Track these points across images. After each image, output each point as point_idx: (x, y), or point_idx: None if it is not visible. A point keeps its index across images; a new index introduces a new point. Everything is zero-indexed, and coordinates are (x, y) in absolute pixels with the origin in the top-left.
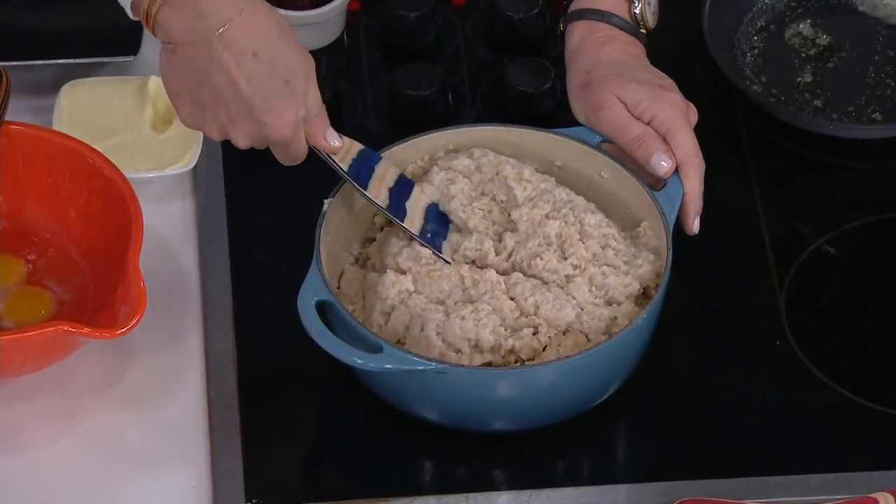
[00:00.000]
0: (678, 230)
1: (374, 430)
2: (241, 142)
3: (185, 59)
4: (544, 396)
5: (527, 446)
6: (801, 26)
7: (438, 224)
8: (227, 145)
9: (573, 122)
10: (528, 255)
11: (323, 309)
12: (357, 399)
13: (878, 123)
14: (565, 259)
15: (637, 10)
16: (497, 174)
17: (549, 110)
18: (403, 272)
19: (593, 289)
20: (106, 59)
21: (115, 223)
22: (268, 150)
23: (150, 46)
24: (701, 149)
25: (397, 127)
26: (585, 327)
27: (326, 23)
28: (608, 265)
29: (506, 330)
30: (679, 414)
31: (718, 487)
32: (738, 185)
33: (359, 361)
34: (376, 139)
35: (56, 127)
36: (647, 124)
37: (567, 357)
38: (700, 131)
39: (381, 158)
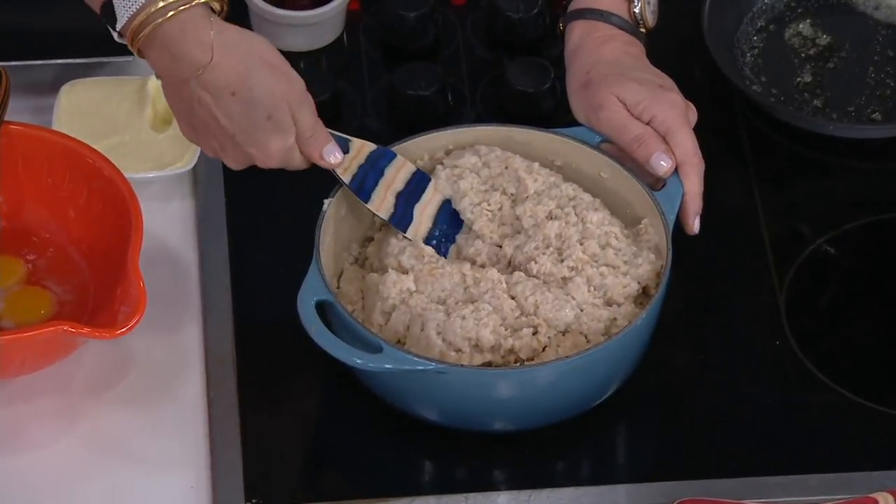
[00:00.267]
0: (678, 230)
1: (373, 430)
2: (232, 166)
3: (173, 91)
4: (544, 396)
5: (526, 446)
6: (800, 26)
7: (450, 226)
8: None
9: (573, 122)
10: (525, 259)
11: (323, 309)
12: (357, 399)
13: (877, 123)
14: (561, 262)
15: (637, 10)
16: (507, 168)
17: (549, 110)
18: (406, 271)
19: (592, 289)
20: (105, 59)
21: (114, 223)
22: None
23: None
24: (701, 149)
25: (397, 127)
26: (584, 328)
27: (326, 23)
28: (607, 265)
29: (506, 330)
30: (679, 414)
31: (718, 487)
32: (738, 185)
33: (358, 361)
34: (376, 139)
35: (56, 127)
36: (647, 124)
37: (567, 357)
38: (700, 131)
39: (394, 157)
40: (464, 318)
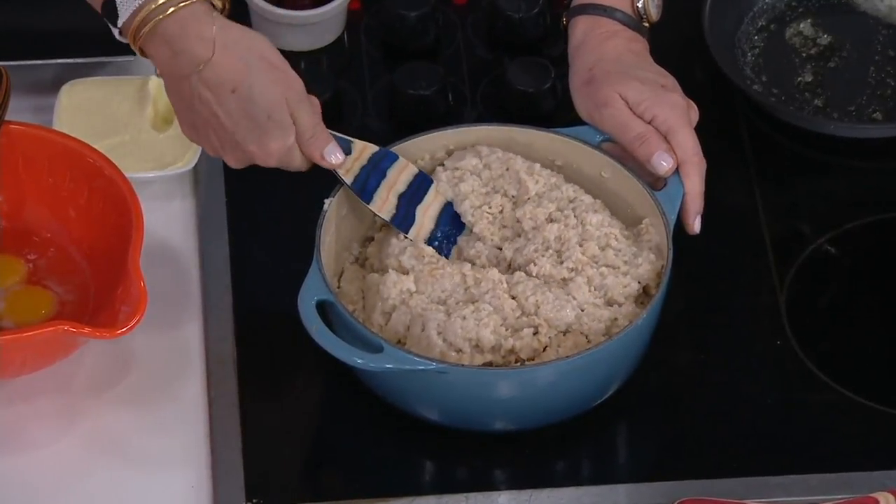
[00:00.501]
0: (678, 230)
1: (374, 430)
2: (233, 165)
3: (174, 89)
4: (545, 396)
5: (527, 446)
6: (801, 26)
7: (452, 227)
8: None
9: (574, 122)
10: (525, 261)
11: (323, 309)
12: (357, 399)
13: (878, 123)
14: (561, 263)
15: (640, 4)
16: (507, 169)
17: (550, 110)
18: (406, 271)
19: (592, 289)
20: (106, 59)
21: (115, 223)
22: None
23: None
24: (701, 148)
25: (398, 126)
26: (585, 328)
27: (327, 22)
28: (607, 266)
29: (506, 330)
30: (679, 414)
31: (719, 487)
32: (739, 185)
33: (359, 361)
34: (377, 138)
35: (56, 126)
36: (649, 123)
37: (567, 357)
38: (700, 131)
39: (396, 159)
40: (464, 318)
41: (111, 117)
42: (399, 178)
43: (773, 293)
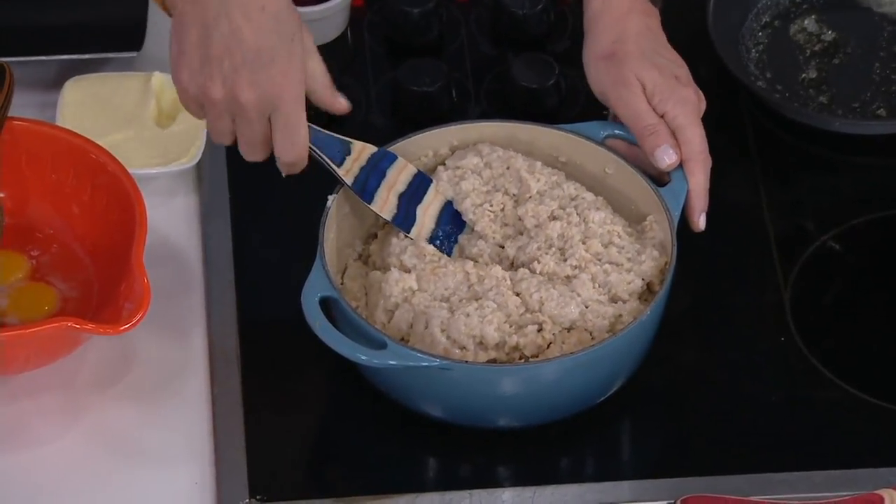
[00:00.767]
0: (682, 226)
1: (378, 427)
2: (247, 95)
3: (193, 19)
4: (548, 393)
5: (531, 443)
6: (806, 22)
7: (453, 226)
8: None
9: (578, 119)
10: (528, 259)
11: (327, 305)
12: (361, 395)
13: (883, 119)
14: (564, 261)
15: None
16: (508, 168)
17: (554, 106)
18: (408, 270)
19: (596, 286)
20: (110, 55)
21: (118, 219)
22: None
23: (154, 42)
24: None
25: (401, 123)
26: (589, 325)
27: (330, 18)
28: (611, 263)
29: (510, 327)
30: (683, 410)
31: (723, 484)
32: (743, 182)
33: (363, 358)
34: (380, 135)
35: (60, 123)
36: (662, 117)
37: (571, 354)
38: (704, 127)
39: (395, 159)
40: (468, 315)
41: (115, 113)
42: (398, 177)
43: (778, 290)
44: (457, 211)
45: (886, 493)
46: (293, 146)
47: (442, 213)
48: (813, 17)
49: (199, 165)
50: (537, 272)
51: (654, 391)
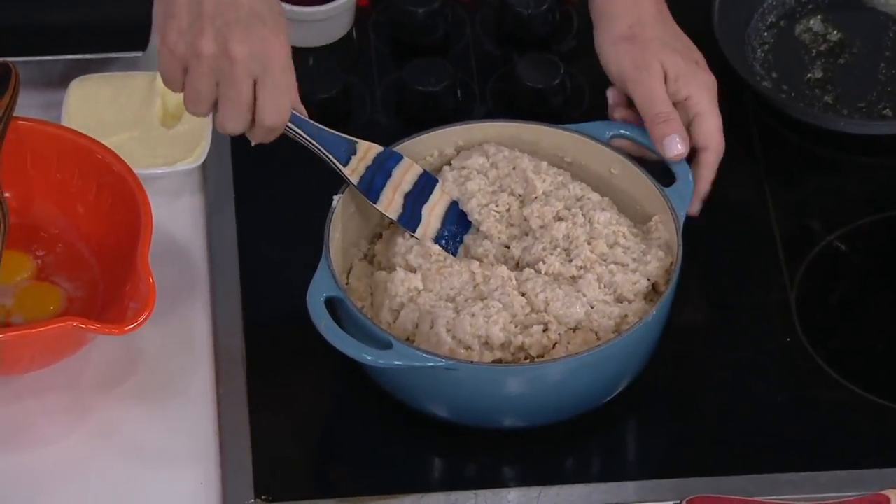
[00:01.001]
0: (688, 227)
1: (383, 427)
2: (239, 49)
3: None
4: (554, 393)
5: (536, 443)
6: (811, 22)
7: (458, 226)
8: (235, 141)
9: (583, 119)
10: (533, 260)
11: (332, 305)
12: (366, 395)
13: (888, 119)
14: (570, 261)
15: None
16: (514, 168)
17: (559, 106)
18: (413, 270)
19: (602, 286)
20: (115, 55)
21: (124, 219)
22: (275, 145)
23: None
24: None
25: (406, 123)
26: (595, 325)
27: (335, 19)
28: (616, 263)
29: (516, 327)
30: (689, 411)
31: (728, 484)
32: (749, 182)
33: (368, 358)
34: (385, 135)
35: (65, 122)
36: (683, 101)
37: (577, 354)
38: None
39: (401, 159)
40: (473, 315)
41: (120, 113)
42: (404, 177)
43: (784, 290)
44: (462, 211)
45: (892, 494)
46: (278, 111)
47: (447, 212)
48: (819, 16)
49: (204, 165)
50: (543, 272)
51: (659, 391)
